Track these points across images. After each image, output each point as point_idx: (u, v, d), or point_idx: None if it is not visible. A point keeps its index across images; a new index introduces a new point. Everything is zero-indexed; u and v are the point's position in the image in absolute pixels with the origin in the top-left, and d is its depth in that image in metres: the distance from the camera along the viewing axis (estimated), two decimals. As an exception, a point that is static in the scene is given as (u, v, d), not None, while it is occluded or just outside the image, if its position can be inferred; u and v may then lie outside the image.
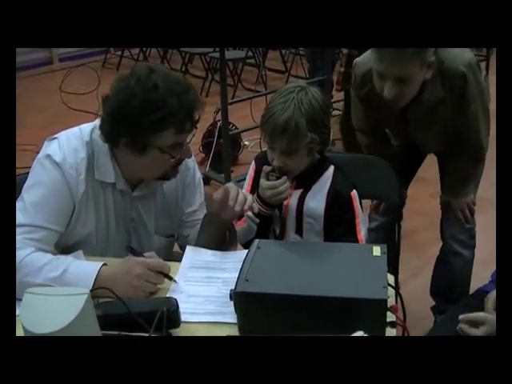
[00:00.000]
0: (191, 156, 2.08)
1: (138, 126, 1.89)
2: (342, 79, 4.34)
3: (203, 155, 5.28)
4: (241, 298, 1.59)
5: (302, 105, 2.03)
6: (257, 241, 1.80)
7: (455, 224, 2.81)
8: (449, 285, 2.93)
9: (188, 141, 2.02)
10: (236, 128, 5.23)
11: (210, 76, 7.15)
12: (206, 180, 4.96)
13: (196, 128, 1.99)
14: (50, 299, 1.27)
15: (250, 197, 2.02)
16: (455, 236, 2.83)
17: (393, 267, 2.60)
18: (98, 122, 2.00)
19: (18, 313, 1.44)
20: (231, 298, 1.61)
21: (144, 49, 8.18)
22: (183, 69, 7.51)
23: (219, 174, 4.98)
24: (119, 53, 8.37)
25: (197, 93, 1.98)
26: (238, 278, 1.62)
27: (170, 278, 1.88)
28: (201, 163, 5.26)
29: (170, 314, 1.59)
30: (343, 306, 1.51)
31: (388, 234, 2.83)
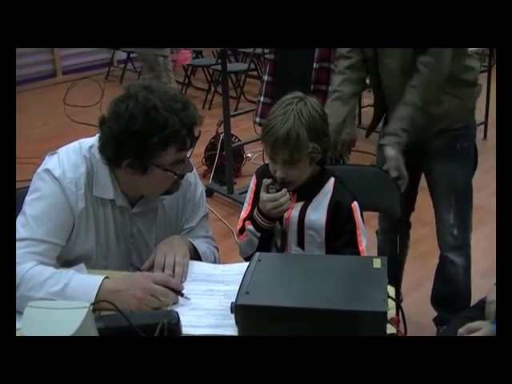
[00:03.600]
0: (192, 170, 2.09)
1: (141, 148, 1.90)
2: None
3: (206, 167, 5.29)
4: (241, 311, 1.59)
5: (301, 115, 2.05)
6: (258, 254, 1.81)
7: (445, 227, 2.78)
8: (448, 294, 2.92)
9: (188, 155, 2.03)
10: (239, 140, 5.24)
11: (212, 88, 7.17)
12: (209, 192, 4.97)
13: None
14: (50, 313, 1.28)
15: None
16: (447, 244, 2.82)
17: (395, 278, 2.61)
18: (97, 137, 2.01)
19: (18, 326, 1.46)
20: (232, 311, 1.61)
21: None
22: (186, 81, 7.53)
23: (222, 186, 4.99)
24: (122, 65, 8.41)
25: (195, 107, 1.99)
26: (239, 290, 1.63)
27: (178, 293, 1.88)
28: (203, 175, 5.27)
29: (171, 326, 1.60)
30: (343, 318, 1.51)
31: (391, 245, 2.83)
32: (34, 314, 1.29)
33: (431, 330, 3.00)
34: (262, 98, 4.00)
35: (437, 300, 3.01)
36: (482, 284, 2.49)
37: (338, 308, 1.52)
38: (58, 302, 1.42)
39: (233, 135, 5.11)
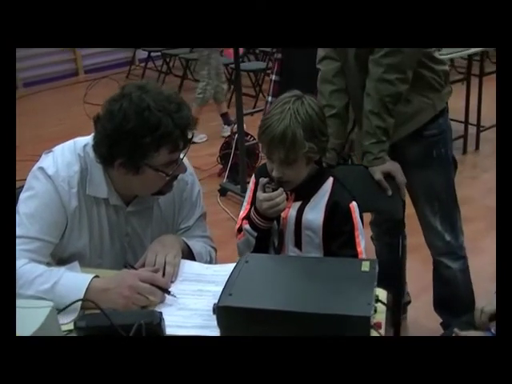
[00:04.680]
0: (185, 171, 2.08)
1: (133, 148, 1.89)
2: None
3: (221, 166, 5.28)
4: (223, 313, 1.57)
5: (298, 114, 2.01)
6: (245, 255, 1.78)
7: (433, 233, 2.72)
8: (448, 298, 2.86)
9: (182, 157, 2.02)
10: (254, 139, 5.22)
11: (231, 87, 7.15)
12: (223, 191, 4.96)
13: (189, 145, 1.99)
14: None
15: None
16: (438, 250, 2.77)
17: (398, 282, 2.57)
18: (92, 136, 2.00)
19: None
20: (214, 312, 1.59)
21: (168, 60, 8.23)
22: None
23: (236, 185, 4.97)
24: (143, 64, 8.43)
25: (190, 109, 1.98)
26: (222, 292, 1.61)
27: (165, 291, 1.87)
28: (218, 175, 5.26)
29: (153, 327, 1.58)
30: (326, 322, 1.48)
31: (388, 248, 2.79)
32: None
33: (438, 334, 2.95)
34: (269, 98, 3.97)
35: (438, 305, 2.95)
36: (492, 288, 2.44)
37: (321, 312, 1.49)
38: (25, 301, 1.40)
39: (248, 134, 5.09)
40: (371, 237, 3.05)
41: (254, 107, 6.44)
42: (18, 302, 1.34)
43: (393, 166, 2.45)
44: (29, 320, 1.24)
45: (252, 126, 5.12)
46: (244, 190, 4.78)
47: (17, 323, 1.24)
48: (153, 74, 8.24)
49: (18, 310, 1.26)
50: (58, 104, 7.47)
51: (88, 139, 2.04)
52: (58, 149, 2.08)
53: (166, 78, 8.11)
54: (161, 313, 1.64)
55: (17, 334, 1.22)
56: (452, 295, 2.84)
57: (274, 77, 3.90)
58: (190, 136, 1.97)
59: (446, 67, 2.59)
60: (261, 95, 6.98)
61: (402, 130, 2.48)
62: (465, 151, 5.61)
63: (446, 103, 2.63)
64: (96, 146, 1.97)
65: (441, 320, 2.96)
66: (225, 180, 5.10)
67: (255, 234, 2.13)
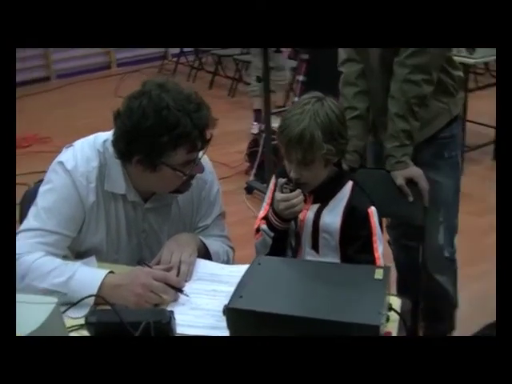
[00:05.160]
0: (203, 171, 2.08)
1: (151, 145, 1.90)
2: None
3: (248, 164, 5.27)
4: (233, 314, 1.57)
5: (317, 116, 2.00)
6: (258, 257, 1.78)
7: (433, 247, 2.63)
8: (434, 308, 2.81)
9: (200, 156, 2.02)
10: (282, 138, 5.19)
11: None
12: (249, 189, 4.95)
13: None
14: (19, 306, 1.26)
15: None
16: (437, 266, 2.68)
17: (416, 287, 2.54)
18: (112, 132, 2.01)
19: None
20: (224, 313, 1.59)
21: (199, 55, 8.24)
22: (236, 76, 7.53)
23: (263, 184, 4.95)
24: (175, 59, 8.45)
25: (209, 109, 1.97)
26: (233, 294, 1.61)
27: (178, 290, 1.87)
28: (245, 172, 5.25)
29: (162, 326, 1.58)
30: (335, 329, 1.47)
31: (406, 253, 2.76)
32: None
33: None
34: (296, 99, 3.95)
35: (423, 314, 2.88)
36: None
37: (330, 318, 1.48)
38: (29, 296, 1.40)
39: (275, 132, 5.06)
40: (388, 241, 3.02)
41: (285, 105, 6.42)
42: (21, 297, 1.34)
43: (416, 172, 2.41)
44: (31, 317, 1.24)
45: (280, 124, 5.11)
46: (270, 189, 4.77)
47: (18, 319, 1.24)
48: (185, 69, 8.25)
49: (19, 305, 1.27)
50: (89, 96, 7.52)
51: (108, 135, 2.05)
52: (78, 143, 2.09)
53: (197, 73, 8.12)
54: (172, 312, 1.64)
55: (17, 332, 1.22)
56: (439, 305, 2.81)
57: (300, 77, 3.88)
58: (208, 136, 1.97)
59: (461, 73, 2.57)
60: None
61: (419, 135, 2.46)
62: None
63: (460, 110, 2.62)
64: (115, 141, 1.98)
65: (460, 324, 2.93)
66: (251, 178, 5.09)
67: (272, 235, 2.12)
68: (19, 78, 7.58)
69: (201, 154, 2.01)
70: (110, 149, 2.01)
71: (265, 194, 4.76)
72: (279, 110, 5.30)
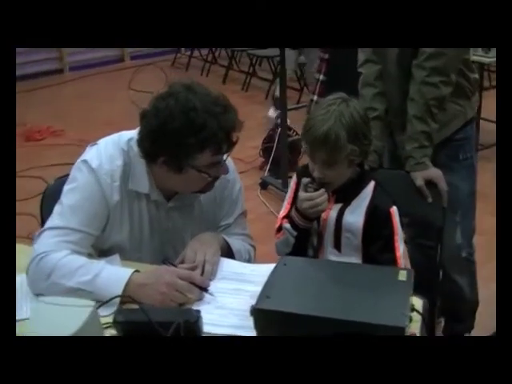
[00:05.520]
0: (228, 173, 2.09)
1: (177, 147, 1.91)
2: None
3: (263, 159, 5.28)
4: (260, 315, 1.58)
5: (342, 116, 2.02)
6: (284, 257, 1.80)
7: (451, 247, 2.65)
8: (452, 308, 2.85)
9: (225, 158, 2.03)
10: (296, 134, 5.21)
11: (276, 79, 7.12)
12: (264, 185, 4.96)
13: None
14: (58, 308, 1.29)
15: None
16: (454, 265, 2.72)
17: (432, 289, 2.54)
18: (137, 131, 2.02)
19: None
20: (251, 314, 1.61)
21: (213, 49, 8.23)
22: (251, 71, 7.53)
23: (277, 179, 4.97)
24: (189, 53, 8.45)
25: (236, 112, 1.98)
26: (260, 294, 1.63)
27: (203, 289, 1.89)
28: (260, 168, 5.26)
29: (190, 325, 1.60)
30: (360, 330, 1.48)
31: (421, 252, 2.77)
32: (43, 308, 1.31)
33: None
34: (314, 97, 3.97)
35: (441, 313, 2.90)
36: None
37: (356, 320, 1.50)
38: (67, 299, 1.43)
39: (291, 128, 5.08)
40: (404, 240, 3.03)
41: (298, 102, 6.43)
42: (61, 300, 1.37)
43: (435, 173, 2.43)
44: (72, 318, 1.26)
45: (296, 120, 5.12)
46: (285, 185, 4.79)
47: (60, 321, 1.26)
48: (198, 62, 8.26)
49: (60, 308, 1.29)
50: (103, 89, 7.54)
51: (133, 133, 2.06)
52: (102, 142, 2.11)
53: (211, 67, 8.13)
54: (199, 311, 1.66)
55: (60, 331, 1.24)
56: (458, 306, 2.83)
57: (321, 77, 3.91)
58: (234, 139, 1.98)
59: (477, 75, 2.59)
60: (306, 90, 6.96)
61: (435, 137, 2.47)
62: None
63: (475, 112, 2.63)
64: (140, 140, 1.99)
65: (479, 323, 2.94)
66: (266, 173, 5.11)
67: (295, 234, 2.14)
68: (32, 69, 7.62)
69: (225, 156, 2.02)
70: (135, 148, 2.02)
71: (280, 189, 4.83)
72: (294, 106, 5.33)
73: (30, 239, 3.84)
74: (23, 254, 1.95)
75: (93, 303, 1.33)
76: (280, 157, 4.93)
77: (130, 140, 2.05)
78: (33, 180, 4.92)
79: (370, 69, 2.61)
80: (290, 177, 4.87)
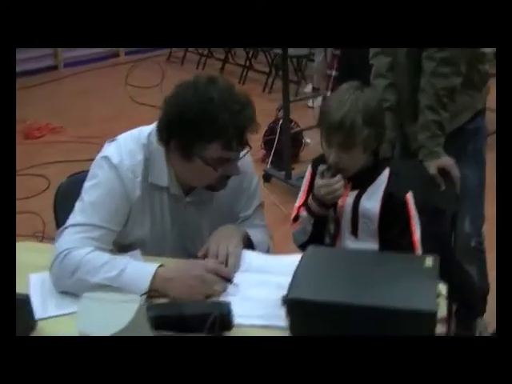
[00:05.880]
0: (238, 174, 2.10)
1: (188, 132, 1.94)
2: None
3: (264, 152, 5.29)
4: (293, 304, 1.61)
5: (358, 101, 2.06)
6: (310, 247, 1.82)
7: (460, 236, 2.63)
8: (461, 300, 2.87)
9: (240, 157, 2.05)
10: (298, 126, 5.23)
11: (273, 72, 7.13)
12: (267, 177, 4.98)
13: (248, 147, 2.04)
14: (105, 305, 1.30)
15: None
16: (464, 254, 2.70)
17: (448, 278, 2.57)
18: (155, 123, 2.04)
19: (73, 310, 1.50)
20: (283, 304, 1.63)
21: (209, 43, 8.19)
22: (247, 64, 7.52)
23: (280, 171, 4.98)
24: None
25: (253, 113, 1.99)
26: (291, 284, 1.64)
27: (229, 281, 1.91)
28: (262, 160, 5.26)
29: (223, 317, 1.62)
30: (392, 317, 1.51)
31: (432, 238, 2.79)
32: (90, 304, 1.32)
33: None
34: (328, 93, 4.02)
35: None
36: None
37: (388, 306, 1.52)
38: (112, 294, 1.43)
39: (292, 120, 5.09)
40: None
41: (297, 94, 6.45)
42: (107, 296, 1.38)
43: (448, 161, 2.47)
44: (120, 314, 1.27)
45: (295, 112, 5.13)
46: (288, 177, 4.81)
47: (107, 316, 1.27)
48: (194, 56, 8.22)
49: (107, 304, 1.30)
50: (99, 85, 7.51)
51: (152, 127, 2.08)
52: (121, 137, 2.12)
53: (207, 60, 8.10)
54: (229, 303, 1.68)
55: (108, 328, 1.25)
56: (468, 293, 2.85)
57: (333, 72, 3.99)
58: (246, 138, 2.00)
59: (488, 66, 2.61)
60: (303, 82, 6.98)
61: (448, 124, 2.50)
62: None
63: (484, 103, 2.66)
64: (158, 122, 2.02)
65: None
66: (268, 166, 5.12)
67: (312, 221, 2.17)
68: (27, 67, 7.58)
69: (239, 154, 2.04)
70: (154, 142, 2.04)
71: (283, 181, 4.84)
72: (296, 99, 5.35)
73: (36, 237, 3.88)
74: (34, 252, 1.95)
75: (138, 298, 1.34)
76: (282, 149, 4.94)
77: (149, 134, 2.07)
78: (34, 178, 4.91)
79: (382, 60, 2.65)
80: (293, 169, 4.92)
